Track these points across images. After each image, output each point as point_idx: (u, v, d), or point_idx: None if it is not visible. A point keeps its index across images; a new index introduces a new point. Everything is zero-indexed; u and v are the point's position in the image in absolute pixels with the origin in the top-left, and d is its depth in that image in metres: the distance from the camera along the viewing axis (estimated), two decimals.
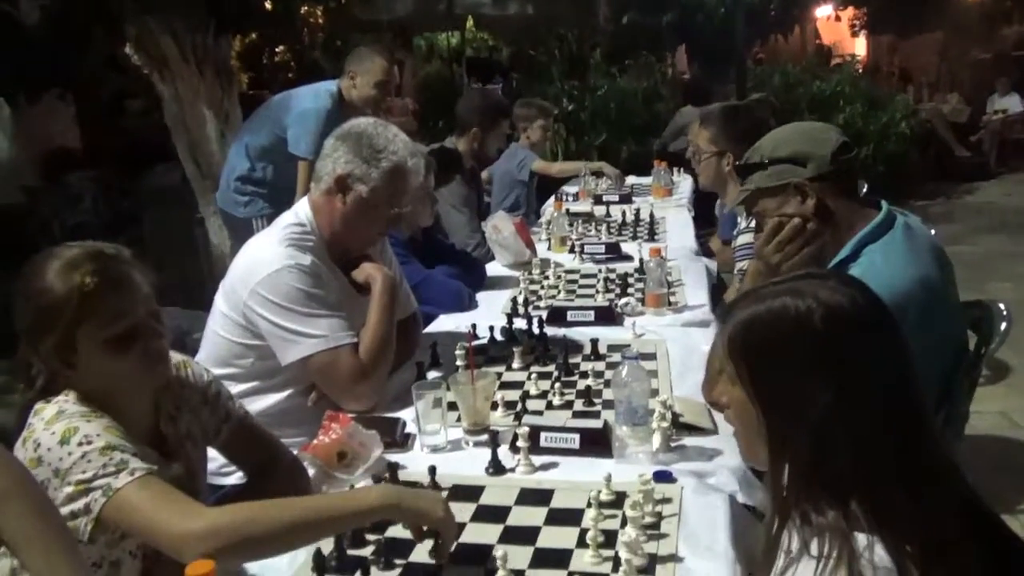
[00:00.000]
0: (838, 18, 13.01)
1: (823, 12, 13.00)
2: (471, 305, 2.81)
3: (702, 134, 2.94)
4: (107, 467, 1.28)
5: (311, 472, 1.67)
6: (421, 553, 1.40)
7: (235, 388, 1.97)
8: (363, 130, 2.09)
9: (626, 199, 4.39)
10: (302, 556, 1.39)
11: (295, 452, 1.70)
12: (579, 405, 1.99)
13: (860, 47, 13.75)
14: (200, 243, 5.61)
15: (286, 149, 3.66)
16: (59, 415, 1.35)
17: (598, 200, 4.40)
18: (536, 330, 2.40)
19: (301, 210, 2.12)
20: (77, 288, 1.32)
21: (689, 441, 1.76)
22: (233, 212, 3.85)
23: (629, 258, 3.23)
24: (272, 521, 1.27)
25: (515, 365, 2.23)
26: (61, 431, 1.31)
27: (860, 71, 10.45)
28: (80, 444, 1.30)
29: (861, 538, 1.03)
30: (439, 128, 6.72)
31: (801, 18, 11.64)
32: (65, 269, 1.35)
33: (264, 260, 1.97)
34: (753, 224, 2.55)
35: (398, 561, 1.39)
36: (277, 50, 11.56)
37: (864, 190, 2.62)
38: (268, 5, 6.81)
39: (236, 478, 1.86)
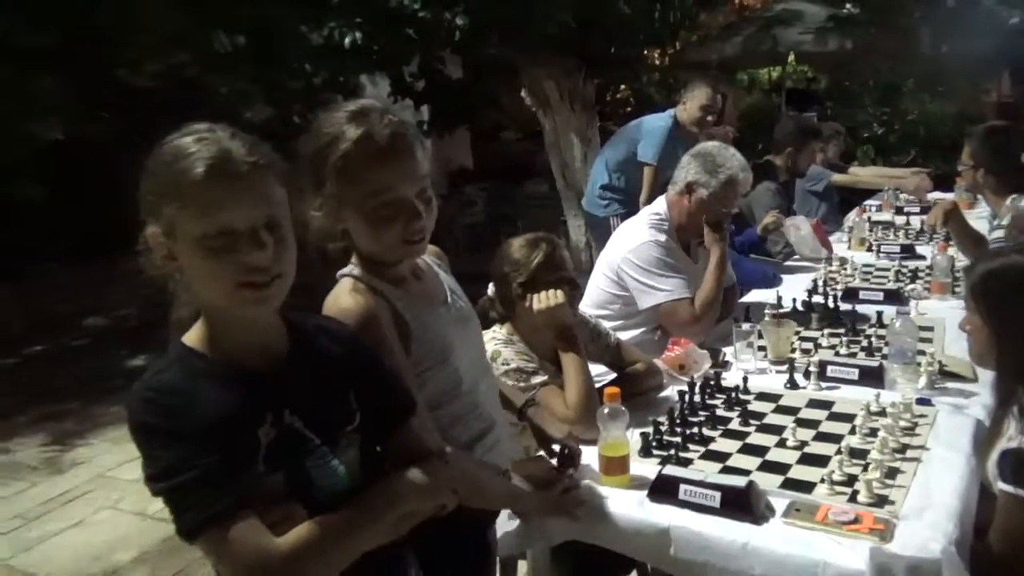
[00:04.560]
0: None
1: None
2: (776, 282, 3.15)
3: (965, 149, 3.04)
4: (517, 384, 1.87)
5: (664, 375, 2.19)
6: (735, 423, 1.86)
7: (607, 324, 2.56)
8: (709, 150, 2.58)
9: (926, 210, 4.35)
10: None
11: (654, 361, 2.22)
12: (862, 356, 2.28)
13: None
14: (562, 239, 6.44)
15: (635, 162, 4.23)
16: (491, 341, 1.95)
17: (899, 211, 4.42)
18: (831, 304, 2.70)
19: (660, 205, 2.65)
20: (543, 249, 1.93)
21: (951, 385, 2.00)
22: (595, 213, 4.51)
23: (922, 258, 3.33)
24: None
25: (812, 326, 2.56)
26: (491, 351, 1.89)
27: None
28: (502, 364, 1.89)
29: None
30: (758, 150, 6.92)
31: None
32: (532, 240, 1.97)
33: (634, 235, 2.54)
34: (1004, 222, 2.66)
35: (720, 426, 1.86)
36: (621, 88, 12.37)
37: None
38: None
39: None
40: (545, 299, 1.90)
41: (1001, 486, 1.33)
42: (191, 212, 0.96)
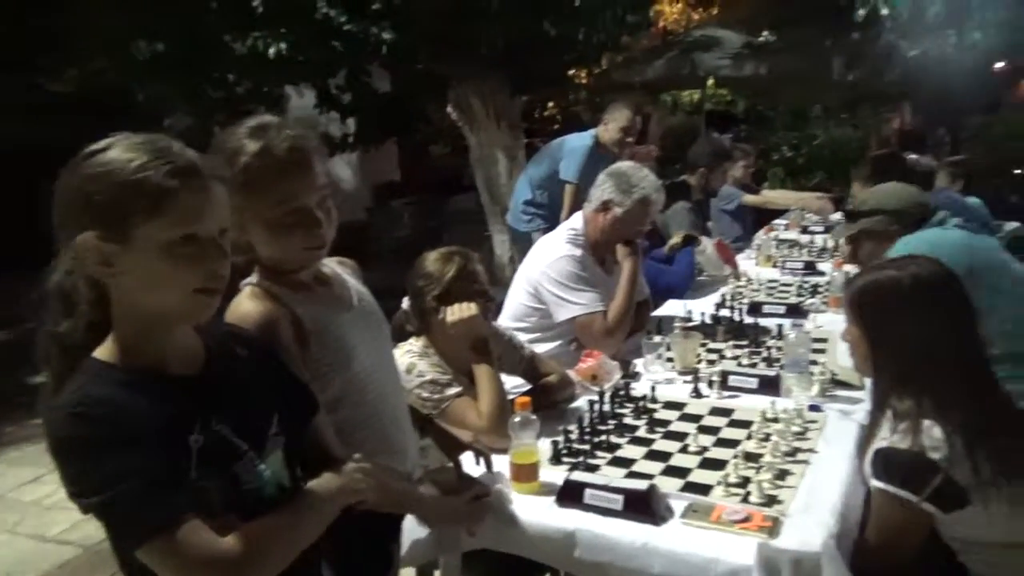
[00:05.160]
0: None
1: None
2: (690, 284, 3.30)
3: (854, 183, 3.24)
4: (432, 395, 1.93)
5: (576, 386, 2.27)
6: (642, 430, 1.95)
7: (524, 337, 2.63)
8: (624, 170, 2.69)
9: (830, 230, 4.61)
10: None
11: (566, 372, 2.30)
12: (762, 367, 2.42)
13: None
14: (486, 254, 6.52)
15: (558, 179, 4.34)
16: (406, 353, 2.00)
17: (804, 230, 4.67)
18: (736, 317, 2.85)
19: (577, 221, 2.75)
20: (457, 262, 2.00)
21: (841, 392, 2.14)
22: (518, 228, 4.60)
23: (823, 274, 3.54)
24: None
25: (718, 339, 2.69)
26: (406, 364, 1.95)
27: None
28: (417, 376, 1.94)
29: (926, 422, 1.44)
30: (676, 169, 7.17)
31: None
32: (445, 254, 2.03)
33: (552, 250, 2.63)
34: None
35: (627, 433, 1.94)
36: (549, 106, 12.62)
37: None
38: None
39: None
40: (459, 311, 1.95)
41: (873, 483, 1.45)
42: (162, 219, 0.99)
